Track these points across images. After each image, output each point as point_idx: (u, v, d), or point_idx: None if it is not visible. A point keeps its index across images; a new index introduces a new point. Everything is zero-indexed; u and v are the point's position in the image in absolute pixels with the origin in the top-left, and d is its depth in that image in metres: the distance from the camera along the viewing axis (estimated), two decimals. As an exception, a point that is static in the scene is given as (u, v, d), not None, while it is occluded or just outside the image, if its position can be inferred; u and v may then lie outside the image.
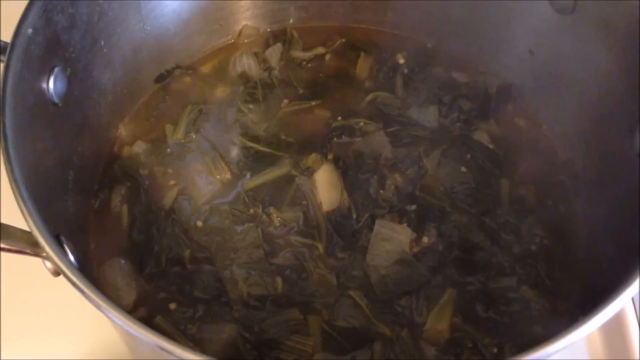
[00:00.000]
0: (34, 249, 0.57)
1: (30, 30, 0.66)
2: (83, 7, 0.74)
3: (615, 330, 0.85)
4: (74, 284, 0.54)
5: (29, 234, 0.57)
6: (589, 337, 0.87)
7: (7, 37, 0.65)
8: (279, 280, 0.78)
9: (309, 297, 0.77)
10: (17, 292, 0.87)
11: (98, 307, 0.54)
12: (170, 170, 0.87)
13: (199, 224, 0.82)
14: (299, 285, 0.78)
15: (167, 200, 0.84)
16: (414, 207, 0.83)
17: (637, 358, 0.82)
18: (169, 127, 0.91)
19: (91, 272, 0.77)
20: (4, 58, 0.64)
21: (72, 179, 0.78)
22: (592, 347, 0.86)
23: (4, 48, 0.65)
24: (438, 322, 0.75)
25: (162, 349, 0.51)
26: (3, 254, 0.58)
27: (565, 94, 0.86)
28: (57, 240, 0.60)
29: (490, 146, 0.89)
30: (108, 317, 0.54)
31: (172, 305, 0.77)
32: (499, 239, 0.81)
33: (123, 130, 0.90)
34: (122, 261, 0.79)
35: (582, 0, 0.78)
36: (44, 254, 0.56)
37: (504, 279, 0.78)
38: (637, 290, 0.56)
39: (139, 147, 0.88)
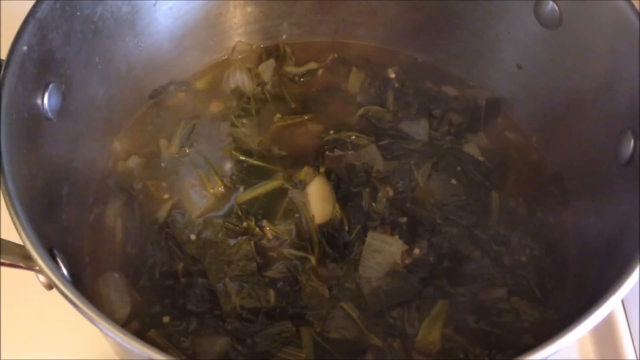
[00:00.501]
0: (27, 262, 0.58)
1: (25, 48, 0.67)
2: (77, 24, 0.75)
3: (606, 334, 0.85)
4: (66, 297, 0.55)
5: (22, 248, 0.57)
6: (580, 341, 0.87)
7: (2, 54, 0.67)
8: (271, 292, 0.78)
9: (302, 309, 0.77)
10: (12, 305, 0.87)
11: (90, 320, 0.54)
12: (164, 185, 0.88)
13: (193, 237, 0.83)
14: (292, 297, 0.78)
15: (161, 214, 0.85)
16: (405, 219, 0.84)
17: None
18: (163, 142, 0.92)
19: (85, 286, 0.77)
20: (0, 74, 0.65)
21: (67, 194, 0.79)
22: (583, 350, 0.87)
23: (-1, 64, 0.66)
24: (430, 333, 0.76)
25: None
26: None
27: (554, 107, 0.87)
28: (51, 254, 0.61)
29: (481, 159, 0.90)
30: (101, 330, 0.54)
31: (166, 319, 0.77)
32: (489, 250, 0.82)
33: (117, 145, 0.91)
34: (116, 275, 0.80)
35: (567, 14, 0.79)
36: (37, 268, 0.57)
37: (494, 289, 0.79)
38: (625, 294, 0.57)
39: (134, 162, 0.89)
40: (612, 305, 0.56)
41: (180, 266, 0.80)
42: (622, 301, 0.87)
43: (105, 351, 0.82)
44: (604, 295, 0.57)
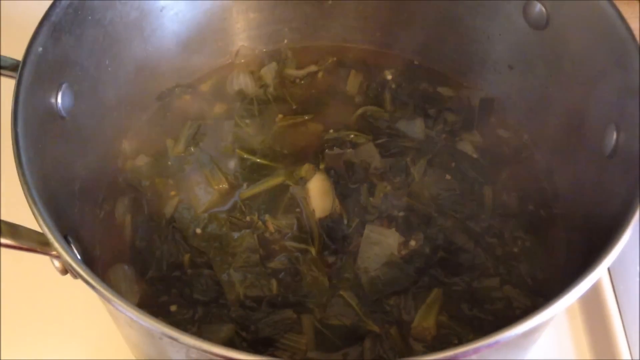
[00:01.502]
0: (43, 247, 0.61)
1: (40, 49, 0.71)
2: (89, 28, 0.80)
3: (594, 307, 0.89)
4: (83, 278, 0.58)
5: (39, 234, 0.61)
6: (570, 319, 0.91)
7: (18, 55, 0.71)
8: (274, 282, 0.82)
9: (303, 298, 0.81)
10: (18, 293, 0.90)
11: (107, 300, 0.57)
12: (171, 182, 0.92)
13: (198, 231, 0.86)
14: (293, 286, 0.82)
15: (168, 210, 0.89)
16: (401, 212, 0.87)
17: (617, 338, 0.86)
18: (169, 142, 0.96)
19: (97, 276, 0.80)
20: (16, 74, 0.69)
21: (79, 190, 0.82)
22: (574, 327, 0.91)
23: (16, 65, 0.70)
24: (425, 319, 0.79)
25: (168, 336, 0.54)
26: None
27: (543, 105, 0.90)
28: (65, 240, 0.64)
29: (474, 155, 0.94)
30: (117, 309, 0.57)
31: (173, 307, 0.80)
32: (482, 242, 0.85)
33: (127, 145, 0.95)
34: (126, 267, 0.83)
35: (553, 16, 0.83)
36: (54, 252, 0.61)
37: (487, 279, 0.82)
38: (606, 269, 0.60)
39: (142, 161, 0.93)
40: (595, 277, 0.60)
41: (186, 258, 0.84)
42: (617, 301, 0.90)
43: (113, 340, 0.85)
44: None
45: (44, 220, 0.60)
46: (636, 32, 1.22)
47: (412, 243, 0.85)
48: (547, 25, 0.84)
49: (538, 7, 0.83)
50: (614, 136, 0.73)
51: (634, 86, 0.69)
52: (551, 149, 0.91)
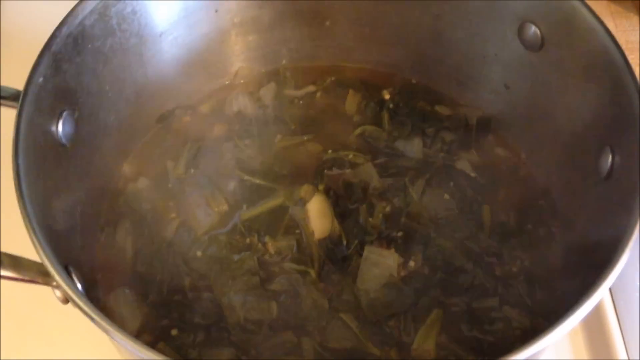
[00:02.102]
0: (44, 278, 0.62)
1: (41, 79, 0.72)
2: (89, 56, 0.81)
3: (597, 329, 0.90)
4: (82, 310, 0.59)
5: (39, 265, 0.62)
6: (571, 337, 0.92)
7: (19, 84, 0.72)
8: (274, 305, 0.82)
9: (303, 321, 0.81)
10: (20, 321, 0.91)
11: (106, 331, 0.59)
12: (171, 204, 0.92)
13: (199, 253, 0.87)
14: (293, 309, 0.82)
15: (169, 232, 0.89)
16: (400, 233, 0.88)
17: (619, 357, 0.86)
18: (170, 164, 0.96)
19: (98, 302, 0.81)
20: (17, 104, 0.70)
21: (80, 215, 0.83)
22: (575, 346, 0.91)
23: (17, 95, 0.71)
24: (425, 341, 0.79)
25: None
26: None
27: (540, 124, 0.91)
28: (66, 270, 0.65)
29: (472, 174, 0.94)
30: (115, 341, 0.58)
31: (174, 332, 0.81)
32: (481, 261, 0.86)
33: (127, 168, 0.95)
34: (127, 290, 0.84)
35: (548, 38, 0.83)
36: (54, 283, 0.61)
37: (486, 299, 0.83)
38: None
39: (142, 183, 0.94)
40: (597, 298, 0.60)
41: (187, 281, 0.84)
42: (619, 319, 0.90)
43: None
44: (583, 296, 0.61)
45: (44, 251, 0.61)
46: (635, 45, 1.24)
47: (412, 264, 0.86)
48: (542, 47, 0.84)
49: (533, 30, 0.84)
50: (610, 159, 0.73)
51: (629, 110, 0.70)
52: (548, 168, 0.91)
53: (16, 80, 0.73)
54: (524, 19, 0.85)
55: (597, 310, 0.90)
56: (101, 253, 0.87)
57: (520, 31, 0.86)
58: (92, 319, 0.58)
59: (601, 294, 0.61)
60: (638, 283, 0.92)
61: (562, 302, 0.81)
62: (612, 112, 0.74)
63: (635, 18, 1.30)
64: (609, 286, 0.62)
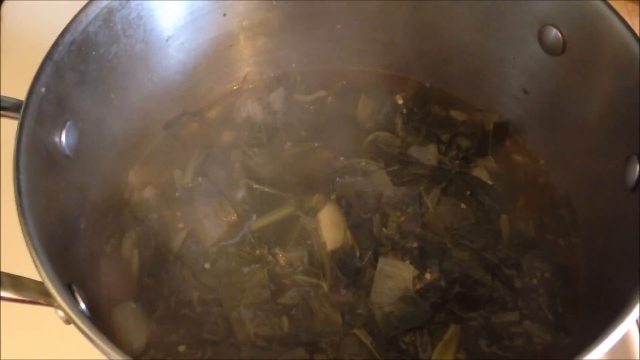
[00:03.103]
0: (46, 299, 0.60)
1: (43, 89, 0.69)
2: (93, 64, 0.78)
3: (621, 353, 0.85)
4: (84, 332, 0.57)
5: (40, 284, 0.59)
6: None
7: (20, 94, 0.69)
8: (285, 320, 0.80)
9: (315, 337, 0.79)
10: (21, 339, 0.89)
11: (107, 354, 0.56)
12: (178, 214, 0.90)
13: (207, 266, 0.84)
14: (305, 324, 0.80)
15: (176, 244, 0.87)
16: (415, 244, 0.85)
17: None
18: (177, 172, 0.94)
19: (103, 317, 0.79)
20: (19, 115, 0.68)
21: (84, 227, 0.81)
22: None
23: (19, 106, 0.69)
24: (442, 358, 0.76)
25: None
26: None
27: (561, 130, 0.88)
28: (69, 289, 0.63)
29: (489, 182, 0.91)
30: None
31: (182, 348, 0.79)
32: (500, 274, 0.83)
33: (133, 177, 0.93)
34: (133, 305, 0.82)
35: (570, 42, 0.80)
36: (56, 304, 0.59)
37: (506, 313, 0.80)
38: (637, 317, 0.57)
39: (149, 193, 0.92)
40: (621, 332, 0.57)
41: (195, 295, 0.82)
42: (638, 323, 0.87)
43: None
44: (614, 321, 0.58)
45: (45, 271, 0.59)
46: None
47: (427, 276, 0.83)
48: (563, 51, 0.81)
49: (554, 33, 0.81)
50: (638, 169, 0.70)
51: (657, 118, 0.66)
52: (569, 175, 0.88)
53: (17, 90, 0.71)
54: (545, 22, 0.82)
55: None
56: (106, 266, 0.85)
57: (541, 35, 0.83)
58: (92, 341, 0.56)
59: (629, 324, 0.57)
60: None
61: (586, 316, 0.79)
62: (638, 119, 0.71)
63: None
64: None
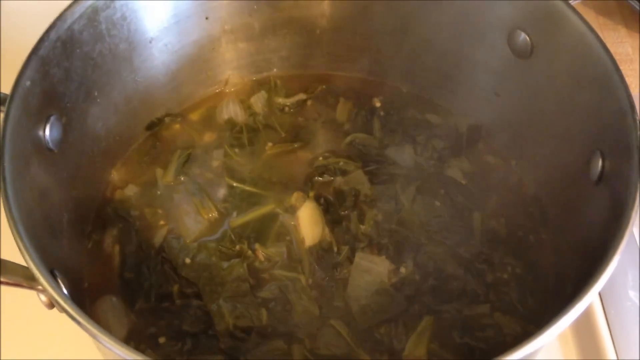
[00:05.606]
0: (29, 282, 0.61)
1: (28, 83, 0.71)
2: (78, 61, 0.80)
3: (586, 333, 0.89)
4: (68, 314, 0.58)
5: (25, 268, 0.61)
6: (561, 341, 0.91)
7: (6, 88, 0.71)
8: (263, 312, 0.81)
9: (293, 328, 0.80)
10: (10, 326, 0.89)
11: (93, 335, 0.57)
12: (160, 211, 0.91)
13: (187, 260, 0.86)
14: (283, 316, 0.81)
15: (157, 240, 0.88)
16: (391, 240, 0.87)
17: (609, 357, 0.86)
18: (159, 171, 0.95)
19: (84, 309, 0.79)
20: (4, 108, 0.70)
21: (66, 221, 0.82)
22: (565, 350, 0.91)
23: (4, 99, 0.70)
24: (416, 348, 0.78)
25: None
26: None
27: (531, 131, 0.91)
28: (52, 275, 0.64)
29: (463, 182, 0.94)
30: (102, 345, 0.57)
31: (162, 339, 0.80)
32: (472, 268, 0.85)
33: (115, 175, 0.95)
34: (114, 298, 0.83)
35: (538, 45, 0.84)
36: (39, 287, 0.60)
37: (478, 306, 0.82)
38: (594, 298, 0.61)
39: (131, 190, 0.93)
40: (586, 302, 0.60)
41: (175, 288, 0.83)
42: (609, 325, 0.90)
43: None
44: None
45: (29, 255, 0.60)
46: (623, 57, 1.25)
47: (403, 270, 0.85)
48: (531, 54, 0.85)
49: (522, 37, 0.84)
50: (600, 163, 0.73)
51: (619, 114, 0.70)
52: (539, 175, 0.91)
53: (3, 84, 0.72)
54: (514, 26, 0.85)
55: (587, 315, 0.90)
56: (88, 260, 0.86)
57: (510, 38, 0.87)
58: (78, 322, 0.57)
59: (591, 298, 0.61)
60: (629, 289, 0.92)
61: (554, 308, 0.81)
62: (602, 117, 0.74)
63: (623, 30, 1.31)
64: (598, 290, 0.61)
